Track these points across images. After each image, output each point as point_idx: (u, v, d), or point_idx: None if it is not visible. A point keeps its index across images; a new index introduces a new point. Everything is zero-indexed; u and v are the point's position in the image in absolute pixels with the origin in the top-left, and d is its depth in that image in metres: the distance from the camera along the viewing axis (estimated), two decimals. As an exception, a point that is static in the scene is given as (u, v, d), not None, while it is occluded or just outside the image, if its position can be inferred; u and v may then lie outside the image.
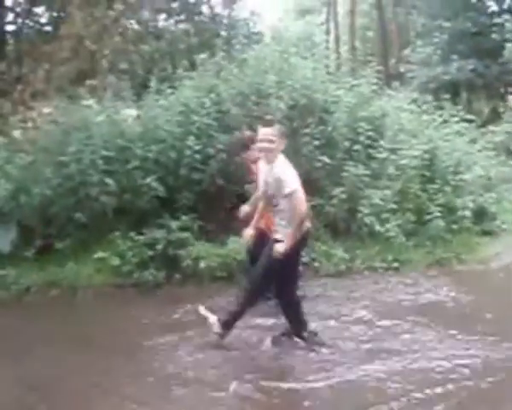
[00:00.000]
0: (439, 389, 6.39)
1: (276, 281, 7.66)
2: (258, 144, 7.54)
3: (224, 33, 19.75)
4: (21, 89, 13.74)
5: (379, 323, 8.35)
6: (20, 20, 17.58)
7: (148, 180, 11.08)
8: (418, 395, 6.31)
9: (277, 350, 7.56)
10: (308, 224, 7.57)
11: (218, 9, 23.20)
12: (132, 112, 12.63)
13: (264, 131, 7.49)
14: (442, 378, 6.64)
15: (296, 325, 7.75)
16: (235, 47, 14.02)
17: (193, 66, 13.30)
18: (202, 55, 12.87)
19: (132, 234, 10.83)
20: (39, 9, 17.63)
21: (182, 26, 17.18)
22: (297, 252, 7.55)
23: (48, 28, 17.55)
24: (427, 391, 6.36)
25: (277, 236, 7.41)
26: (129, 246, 10.79)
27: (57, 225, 11.30)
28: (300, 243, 7.49)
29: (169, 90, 12.51)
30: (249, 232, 7.91)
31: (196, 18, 19.53)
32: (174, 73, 13.51)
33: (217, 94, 12.11)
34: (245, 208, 8.66)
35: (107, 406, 6.50)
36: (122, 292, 10.28)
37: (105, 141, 11.58)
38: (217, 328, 7.58)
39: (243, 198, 9.48)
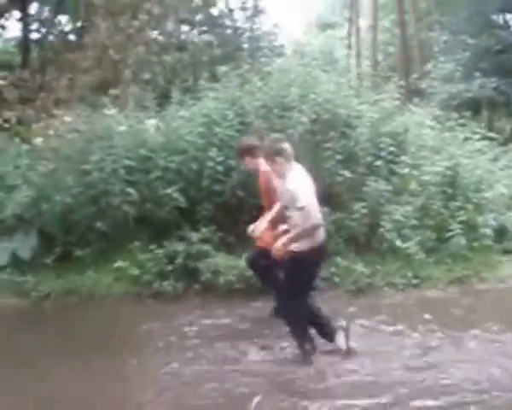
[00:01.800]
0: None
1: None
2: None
3: (246, 46, 19.74)
4: (44, 96, 13.83)
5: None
6: (44, 29, 17.70)
7: (170, 191, 11.11)
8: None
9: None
10: (321, 236, 7.62)
11: (241, 22, 23.36)
12: (154, 122, 12.64)
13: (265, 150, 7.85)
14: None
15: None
16: (259, 60, 14.00)
17: (215, 77, 13.32)
18: (225, 68, 12.89)
19: (153, 247, 10.87)
20: (63, 18, 17.75)
21: (205, 37, 17.23)
22: (309, 262, 7.59)
23: (71, 37, 17.67)
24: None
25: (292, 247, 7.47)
26: (149, 257, 10.81)
27: (77, 233, 11.35)
28: (313, 254, 7.53)
29: (191, 102, 12.53)
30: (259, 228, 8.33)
31: (219, 30, 19.53)
32: (196, 84, 13.53)
33: (240, 106, 12.12)
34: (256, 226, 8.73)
35: None
36: (140, 301, 10.30)
37: (127, 150, 11.61)
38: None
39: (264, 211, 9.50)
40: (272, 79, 12.69)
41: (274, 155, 7.59)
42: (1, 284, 10.76)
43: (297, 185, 7.43)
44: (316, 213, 7.43)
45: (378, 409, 6.57)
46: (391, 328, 8.89)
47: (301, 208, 7.30)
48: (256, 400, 6.68)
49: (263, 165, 8.65)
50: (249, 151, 9.02)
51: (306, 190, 7.49)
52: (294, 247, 7.43)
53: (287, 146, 7.65)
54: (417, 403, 6.64)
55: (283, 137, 8.13)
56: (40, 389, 7.26)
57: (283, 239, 7.44)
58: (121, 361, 7.94)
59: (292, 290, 7.63)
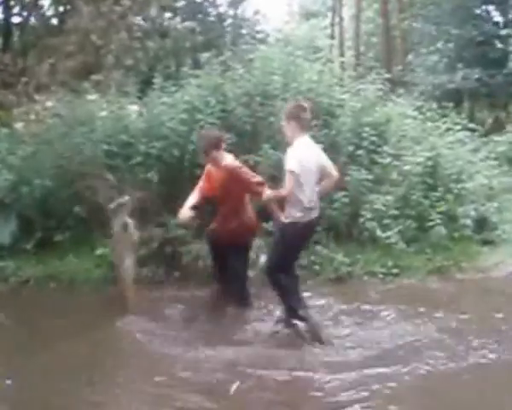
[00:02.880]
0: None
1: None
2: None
3: (228, 33, 19.71)
4: (25, 81, 13.71)
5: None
6: (25, 13, 17.55)
7: (149, 175, 11.08)
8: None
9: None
10: (314, 214, 7.95)
11: (223, 9, 23.27)
12: (136, 108, 12.60)
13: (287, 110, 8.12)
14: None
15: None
16: (241, 47, 13.97)
17: (197, 64, 13.28)
18: (207, 54, 12.86)
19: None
20: (45, 2, 17.60)
21: (187, 24, 17.13)
22: (297, 235, 7.90)
23: (53, 21, 17.53)
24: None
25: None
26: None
27: (57, 218, 11.30)
28: (303, 228, 7.87)
29: (173, 88, 12.48)
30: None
31: (202, 17, 19.48)
32: (178, 71, 13.50)
33: (222, 93, 12.10)
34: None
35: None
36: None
37: (108, 136, 11.59)
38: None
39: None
40: (255, 66, 12.66)
41: (292, 117, 7.86)
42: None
43: (298, 153, 7.66)
44: (306, 191, 7.74)
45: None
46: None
47: (290, 172, 7.53)
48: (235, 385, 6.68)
49: (229, 159, 8.74)
50: (217, 144, 8.80)
51: (306, 164, 7.70)
52: (286, 217, 7.72)
53: (306, 115, 7.85)
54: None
55: (308, 106, 8.22)
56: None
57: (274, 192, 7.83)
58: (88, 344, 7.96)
59: (279, 261, 7.94)
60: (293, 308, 8.04)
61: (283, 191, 7.65)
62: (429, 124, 13.24)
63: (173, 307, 9.22)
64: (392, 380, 6.87)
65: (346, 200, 11.38)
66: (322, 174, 8.06)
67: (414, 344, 7.85)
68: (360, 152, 11.93)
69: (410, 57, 27.19)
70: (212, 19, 19.50)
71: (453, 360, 7.39)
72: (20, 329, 8.70)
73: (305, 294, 8.73)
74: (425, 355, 7.50)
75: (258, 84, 12.13)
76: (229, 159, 8.70)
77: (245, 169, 8.60)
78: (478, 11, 26.60)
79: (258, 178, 8.38)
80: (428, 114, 13.42)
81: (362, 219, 11.35)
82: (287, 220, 7.74)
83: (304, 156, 7.74)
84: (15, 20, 17.87)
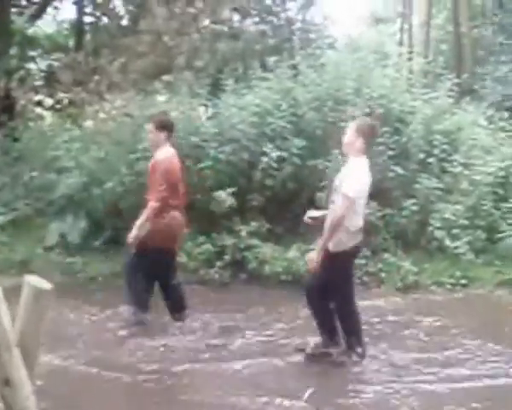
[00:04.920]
0: None
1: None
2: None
3: (298, 37, 19.64)
4: (97, 80, 13.89)
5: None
6: (98, 13, 17.80)
7: (222, 194, 11.09)
8: None
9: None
10: (358, 239, 7.44)
11: (292, 13, 23.19)
12: (206, 110, 12.66)
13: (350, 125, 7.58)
14: None
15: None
16: (311, 51, 13.91)
17: (265, 67, 13.28)
18: (276, 58, 12.88)
19: (201, 238, 10.95)
20: (117, 2, 17.84)
21: (260, 27, 17.16)
22: (342, 267, 7.39)
23: (125, 22, 17.74)
24: None
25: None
26: (197, 245, 10.87)
27: (126, 219, 11.38)
28: (348, 258, 7.42)
29: (244, 91, 12.51)
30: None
31: (271, 19, 19.44)
32: (246, 73, 13.52)
33: (292, 97, 12.09)
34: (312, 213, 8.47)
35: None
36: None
37: (178, 138, 11.62)
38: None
39: (314, 203, 9.46)
40: (326, 71, 12.63)
41: (363, 134, 7.29)
42: (49, 264, 10.86)
43: (360, 176, 7.22)
44: (356, 216, 7.25)
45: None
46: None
47: (347, 197, 7.02)
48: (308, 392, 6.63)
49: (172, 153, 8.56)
50: (169, 128, 8.59)
51: (365, 189, 7.31)
52: (330, 246, 7.13)
53: (374, 137, 7.67)
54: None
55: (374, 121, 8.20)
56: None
57: (319, 251, 7.18)
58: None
59: (323, 289, 7.38)
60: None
61: (335, 213, 7.11)
62: (501, 134, 13.02)
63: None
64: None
65: (415, 208, 11.29)
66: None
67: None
68: (431, 160, 11.81)
69: (481, 66, 26.77)
70: (281, 22, 19.39)
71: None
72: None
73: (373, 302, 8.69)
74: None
75: (329, 88, 12.08)
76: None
77: None
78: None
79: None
80: (500, 123, 13.20)
81: (430, 228, 11.24)
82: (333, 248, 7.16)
83: (364, 181, 7.30)
84: (88, 19, 18.18)
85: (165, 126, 8.48)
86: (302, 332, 8.26)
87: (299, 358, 7.62)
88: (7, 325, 3.62)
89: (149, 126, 8.71)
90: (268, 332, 8.50)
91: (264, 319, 9.04)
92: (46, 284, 3.77)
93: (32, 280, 3.73)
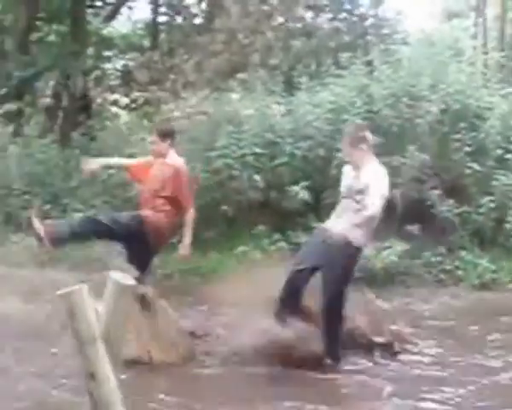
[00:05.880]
0: None
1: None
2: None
3: (372, 33, 19.55)
4: (173, 79, 14.07)
5: None
6: (172, 12, 18.03)
7: (297, 188, 11.10)
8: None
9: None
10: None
11: (364, 9, 23.06)
12: (281, 107, 12.69)
13: (346, 134, 7.45)
14: None
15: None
16: (384, 47, 13.83)
17: (338, 64, 13.25)
18: (350, 54, 12.84)
19: (276, 235, 10.97)
20: (191, 1, 18.04)
21: (333, 23, 17.17)
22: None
23: (199, 20, 17.92)
24: None
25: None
26: (272, 241, 10.92)
27: (204, 216, 11.49)
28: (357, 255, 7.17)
29: (318, 88, 12.51)
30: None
31: (344, 16, 19.40)
32: (319, 70, 13.53)
33: (367, 94, 12.04)
34: None
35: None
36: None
37: (254, 135, 11.70)
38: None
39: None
40: (401, 67, 12.54)
41: (358, 142, 7.11)
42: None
43: (373, 178, 6.94)
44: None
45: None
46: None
47: (384, 197, 6.86)
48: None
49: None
50: (171, 135, 8.37)
51: (382, 187, 6.98)
52: (353, 239, 6.88)
53: (369, 135, 7.47)
54: None
55: (366, 125, 8.00)
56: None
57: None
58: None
59: (343, 286, 7.07)
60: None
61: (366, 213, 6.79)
62: None
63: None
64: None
65: (493, 205, 11.12)
66: None
67: None
68: (508, 156, 11.61)
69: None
70: (354, 19, 19.32)
71: None
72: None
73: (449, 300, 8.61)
74: None
75: (404, 84, 12.00)
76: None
77: None
78: None
79: None
80: None
81: (508, 225, 11.06)
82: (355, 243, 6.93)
83: (379, 178, 7.03)
84: (162, 19, 18.43)
85: (168, 134, 8.31)
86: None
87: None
88: (92, 320, 3.73)
89: (152, 137, 8.63)
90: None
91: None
92: (130, 280, 3.87)
93: (117, 276, 3.83)
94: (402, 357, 7.34)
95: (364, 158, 7.09)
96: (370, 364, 7.16)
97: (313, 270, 7.02)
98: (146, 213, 7.89)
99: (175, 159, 8.21)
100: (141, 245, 7.76)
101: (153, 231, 7.78)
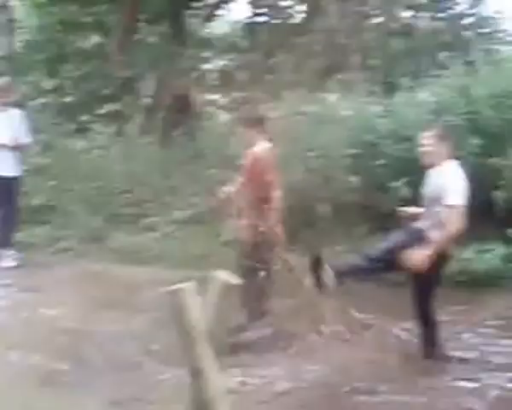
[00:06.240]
0: None
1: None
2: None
3: (469, 32, 19.28)
4: (272, 79, 14.16)
5: None
6: (271, 12, 18.13)
7: (398, 183, 11.03)
8: None
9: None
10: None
11: (462, 8, 22.73)
12: (380, 108, 12.62)
13: (424, 135, 7.46)
14: None
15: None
16: (485, 47, 13.64)
17: (437, 64, 13.09)
18: (449, 54, 12.67)
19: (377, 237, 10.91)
20: (290, 2, 18.13)
21: (433, 23, 17.01)
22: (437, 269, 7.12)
23: (297, 21, 17.98)
24: None
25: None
26: (371, 241, 10.87)
27: (301, 216, 11.54)
28: (442, 261, 7.17)
29: (418, 88, 12.39)
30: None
31: (443, 16, 19.17)
32: (418, 71, 13.39)
33: (468, 95, 11.86)
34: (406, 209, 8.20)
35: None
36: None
37: (352, 136, 11.68)
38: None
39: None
40: (504, 67, 12.29)
41: (442, 140, 7.28)
42: (225, 259, 11.11)
43: (454, 178, 7.10)
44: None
45: None
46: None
47: (453, 206, 6.89)
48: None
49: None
50: (259, 122, 8.18)
51: (462, 188, 7.09)
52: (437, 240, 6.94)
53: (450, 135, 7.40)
54: None
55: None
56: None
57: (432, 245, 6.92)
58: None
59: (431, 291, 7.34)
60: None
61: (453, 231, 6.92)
62: None
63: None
64: None
65: None
66: None
67: None
68: None
69: None
70: (453, 18, 19.08)
71: None
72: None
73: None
74: None
75: (508, 86, 11.76)
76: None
77: None
78: None
79: None
80: None
81: None
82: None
83: (460, 179, 7.17)
84: (261, 19, 18.55)
85: (255, 121, 8.10)
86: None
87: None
88: (199, 318, 3.82)
89: (240, 128, 8.43)
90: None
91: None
92: (235, 279, 3.95)
93: (221, 275, 3.91)
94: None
95: (444, 158, 7.22)
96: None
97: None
98: None
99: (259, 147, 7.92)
100: None
101: None
